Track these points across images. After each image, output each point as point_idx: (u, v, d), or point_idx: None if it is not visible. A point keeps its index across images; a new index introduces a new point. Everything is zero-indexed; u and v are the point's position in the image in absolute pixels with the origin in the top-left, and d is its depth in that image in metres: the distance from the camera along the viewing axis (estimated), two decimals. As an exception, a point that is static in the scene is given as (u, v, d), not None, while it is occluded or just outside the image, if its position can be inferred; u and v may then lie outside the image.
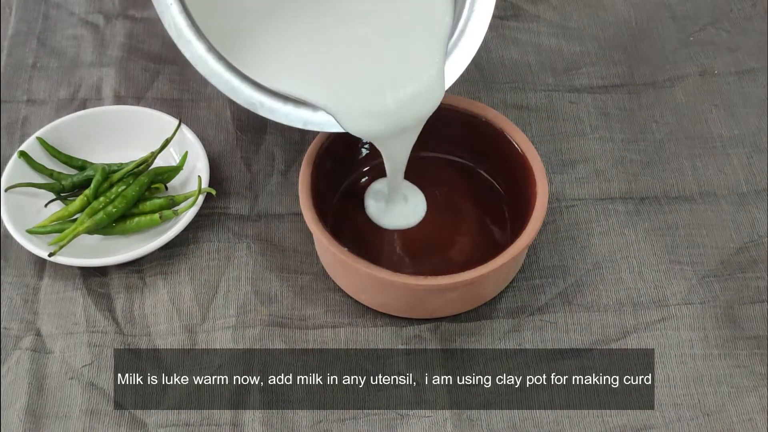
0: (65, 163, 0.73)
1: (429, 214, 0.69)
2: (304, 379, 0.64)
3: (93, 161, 0.73)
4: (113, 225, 0.69)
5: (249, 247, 0.70)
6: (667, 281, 0.69)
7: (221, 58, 0.62)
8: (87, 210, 0.68)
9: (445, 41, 0.64)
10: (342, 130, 0.63)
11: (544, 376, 0.64)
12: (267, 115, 0.63)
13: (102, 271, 0.69)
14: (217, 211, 0.72)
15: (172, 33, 0.61)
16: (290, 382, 0.64)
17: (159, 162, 0.72)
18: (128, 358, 0.65)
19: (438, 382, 0.64)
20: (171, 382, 0.64)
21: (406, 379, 0.64)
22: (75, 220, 0.69)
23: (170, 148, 0.73)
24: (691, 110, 0.78)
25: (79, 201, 0.69)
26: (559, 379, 0.64)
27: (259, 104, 0.63)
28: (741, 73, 0.81)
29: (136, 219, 0.69)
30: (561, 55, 0.82)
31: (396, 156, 0.66)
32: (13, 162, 0.71)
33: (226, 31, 0.63)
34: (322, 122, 0.63)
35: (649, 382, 0.64)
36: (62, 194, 0.71)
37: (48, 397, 0.64)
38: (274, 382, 0.64)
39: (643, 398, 0.64)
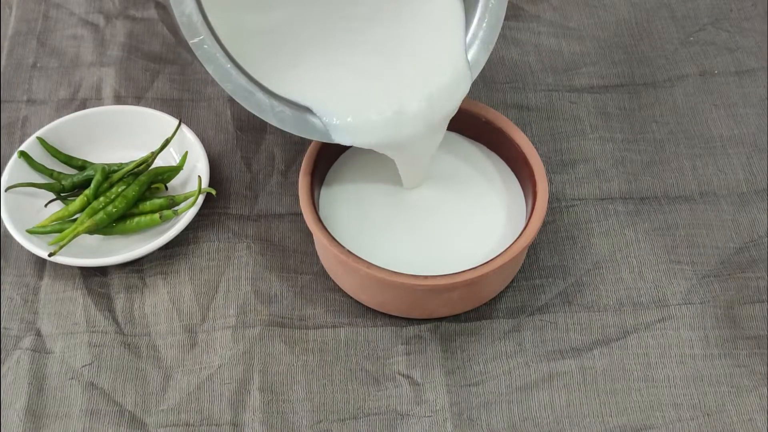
0: (65, 163, 0.73)
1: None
2: (304, 379, 0.64)
3: (93, 161, 0.73)
4: (113, 225, 0.69)
5: (249, 247, 0.70)
6: (667, 281, 0.69)
7: (236, 64, 0.62)
8: (87, 210, 0.68)
9: (463, 43, 0.65)
10: (361, 145, 0.64)
11: (544, 376, 0.64)
12: (278, 125, 0.63)
13: (102, 271, 0.69)
14: (217, 211, 0.72)
15: (184, 28, 0.60)
16: (290, 382, 0.64)
17: (159, 162, 0.72)
18: (128, 358, 0.65)
19: (438, 382, 0.64)
20: (171, 382, 0.64)
21: (406, 379, 0.65)
22: (75, 220, 0.69)
23: (170, 148, 0.73)
24: (691, 110, 0.78)
25: (79, 201, 0.69)
26: (559, 379, 0.64)
27: (270, 111, 0.63)
28: (741, 73, 0.81)
29: (136, 219, 0.69)
30: (561, 55, 0.82)
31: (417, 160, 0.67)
32: (13, 162, 0.71)
33: (242, 36, 0.63)
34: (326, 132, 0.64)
35: (649, 382, 0.64)
36: (62, 194, 0.71)
37: (48, 397, 0.64)
38: (274, 382, 0.64)
39: (643, 398, 0.64)
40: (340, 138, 0.64)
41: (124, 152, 0.73)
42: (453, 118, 0.70)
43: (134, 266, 0.69)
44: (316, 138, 0.64)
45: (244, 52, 0.62)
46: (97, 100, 0.79)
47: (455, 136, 0.71)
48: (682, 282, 0.69)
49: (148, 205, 0.70)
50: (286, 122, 0.63)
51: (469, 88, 0.65)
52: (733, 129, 0.77)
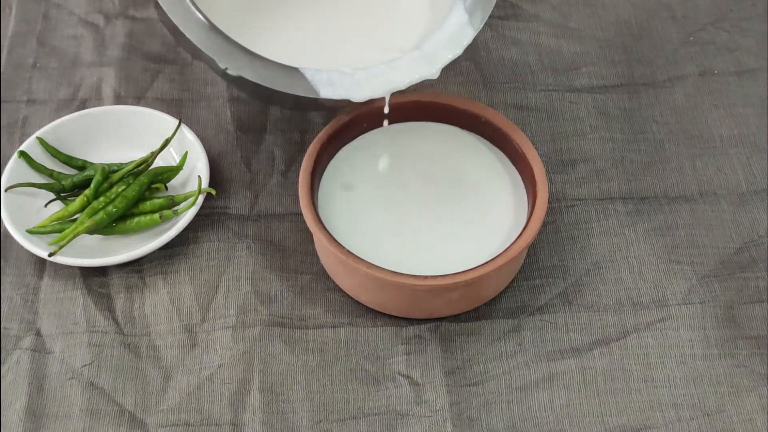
0: (65, 163, 0.73)
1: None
2: (304, 379, 0.64)
3: (93, 161, 0.73)
4: (113, 225, 0.69)
5: (249, 247, 0.70)
6: (667, 281, 0.69)
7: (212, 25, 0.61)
8: (87, 210, 0.68)
9: None
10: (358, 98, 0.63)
11: (544, 376, 0.64)
12: (255, 79, 0.62)
13: (102, 271, 0.69)
14: (217, 211, 0.72)
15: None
16: (290, 382, 0.64)
17: (159, 162, 0.72)
18: (128, 358, 0.65)
19: (438, 382, 0.64)
20: (171, 382, 0.64)
21: (406, 379, 0.65)
22: (75, 220, 0.69)
23: (170, 148, 0.73)
24: (691, 110, 0.78)
25: (79, 201, 0.69)
26: (559, 379, 0.64)
27: (248, 68, 0.61)
28: (741, 73, 0.81)
29: (136, 219, 0.69)
30: (561, 55, 0.82)
31: None
32: (13, 162, 0.71)
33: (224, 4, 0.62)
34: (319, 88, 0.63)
35: (649, 382, 0.64)
36: (62, 194, 0.71)
37: (48, 397, 0.64)
38: (274, 382, 0.64)
39: (643, 398, 0.64)
40: (327, 92, 0.62)
41: (124, 152, 0.73)
42: (453, 117, 0.70)
43: (134, 266, 0.69)
44: (301, 93, 0.62)
45: (226, 16, 0.62)
46: (97, 100, 0.79)
47: (459, 132, 0.71)
48: (682, 282, 0.69)
49: (148, 205, 0.70)
50: (267, 80, 0.62)
51: (470, 39, 0.64)
52: (733, 129, 0.77)
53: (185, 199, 0.70)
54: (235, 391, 0.64)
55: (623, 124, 0.78)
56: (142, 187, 0.70)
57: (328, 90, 0.62)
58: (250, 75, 0.62)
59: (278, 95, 0.65)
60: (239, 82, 0.66)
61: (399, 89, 0.64)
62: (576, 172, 0.75)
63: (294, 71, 0.62)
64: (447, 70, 0.79)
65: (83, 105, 0.78)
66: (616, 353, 0.65)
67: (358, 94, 0.63)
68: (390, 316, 0.67)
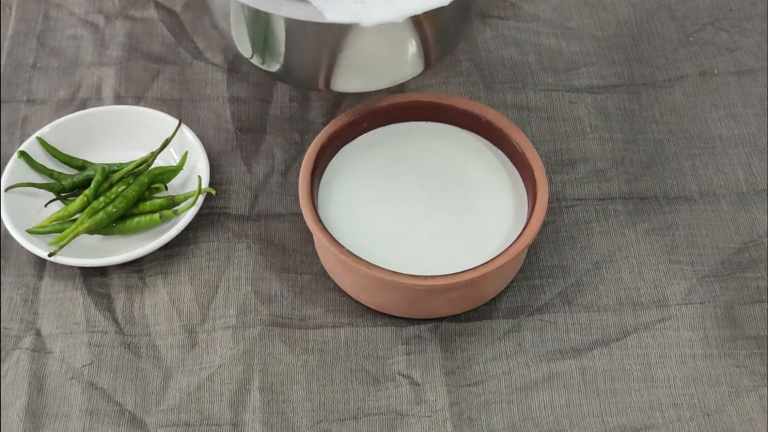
0: (65, 163, 0.73)
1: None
2: (304, 379, 0.64)
3: (93, 161, 0.73)
4: (113, 225, 0.69)
5: (249, 247, 0.70)
6: (667, 281, 0.69)
7: None
8: (87, 210, 0.68)
9: None
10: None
11: (544, 376, 0.64)
12: (256, 5, 0.60)
13: (102, 271, 0.69)
14: (217, 211, 0.72)
15: None
16: (290, 382, 0.64)
17: (159, 162, 0.72)
18: (128, 358, 0.65)
19: (438, 382, 0.64)
20: (171, 382, 0.64)
21: (406, 379, 0.65)
22: (75, 220, 0.69)
23: (170, 148, 0.73)
24: (691, 110, 0.78)
25: (79, 201, 0.69)
26: (559, 379, 0.64)
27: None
28: (741, 73, 0.81)
29: (136, 219, 0.69)
30: (561, 55, 0.82)
31: None
32: (13, 162, 0.71)
33: None
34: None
35: (649, 382, 0.64)
36: (62, 194, 0.71)
37: (48, 397, 0.64)
38: (274, 382, 0.64)
39: (643, 398, 0.64)
40: (333, 17, 0.59)
41: (124, 152, 0.73)
42: (453, 117, 0.70)
43: (134, 266, 0.69)
44: (305, 18, 0.60)
45: None
46: (97, 100, 0.79)
47: (459, 132, 0.71)
48: (682, 282, 0.69)
49: (148, 205, 0.70)
50: (269, 6, 0.60)
51: None
52: (733, 129, 0.77)
53: (185, 199, 0.70)
54: (235, 391, 0.64)
55: (623, 124, 0.78)
56: (142, 187, 0.70)
57: (335, 15, 0.59)
58: (251, 2, 0.59)
59: (289, 76, 0.63)
60: (262, 71, 0.65)
61: (412, 14, 0.60)
62: (576, 172, 0.75)
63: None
64: (447, 70, 0.80)
65: (83, 105, 0.78)
66: (616, 353, 0.65)
67: (368, 18, 0.59)
68: (390, 316, 0.67)
